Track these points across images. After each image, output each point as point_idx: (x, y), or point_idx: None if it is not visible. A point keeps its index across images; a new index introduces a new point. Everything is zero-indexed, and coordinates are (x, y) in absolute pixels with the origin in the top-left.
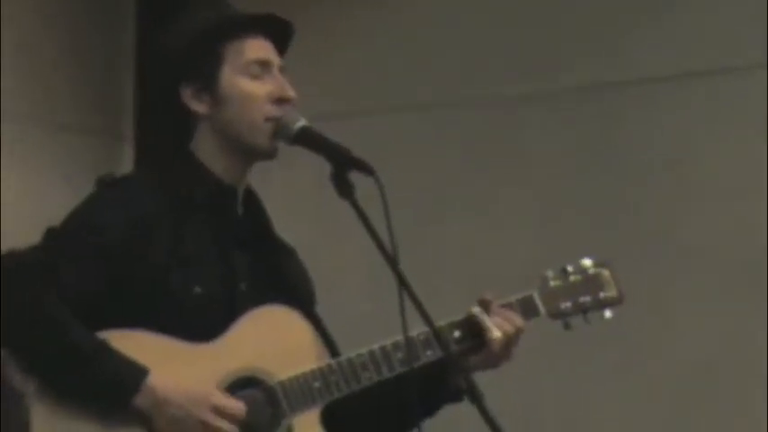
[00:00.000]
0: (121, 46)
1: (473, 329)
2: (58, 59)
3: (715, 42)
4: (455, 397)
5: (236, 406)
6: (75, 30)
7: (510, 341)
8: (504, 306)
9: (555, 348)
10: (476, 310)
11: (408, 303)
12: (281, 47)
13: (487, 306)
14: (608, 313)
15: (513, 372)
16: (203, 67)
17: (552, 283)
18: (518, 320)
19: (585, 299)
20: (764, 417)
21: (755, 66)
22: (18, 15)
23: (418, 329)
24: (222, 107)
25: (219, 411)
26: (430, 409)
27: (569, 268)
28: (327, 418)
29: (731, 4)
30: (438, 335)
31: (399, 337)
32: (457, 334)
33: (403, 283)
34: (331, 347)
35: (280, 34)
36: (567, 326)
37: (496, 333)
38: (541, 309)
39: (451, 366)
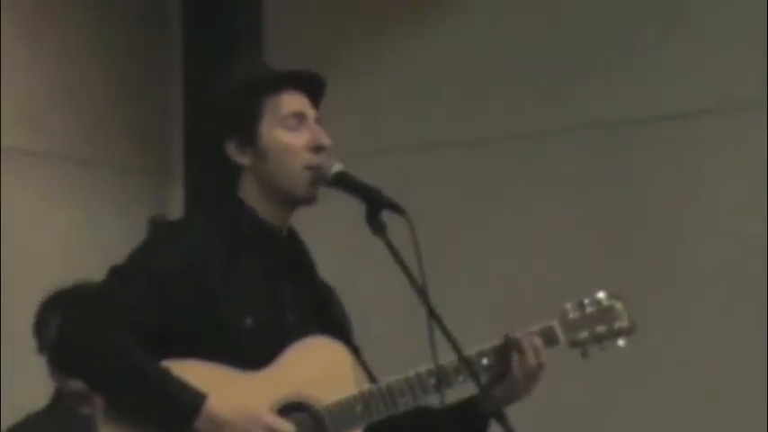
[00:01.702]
0: (171, 94)
1: (500, 359)
2: (114, 106)
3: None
4: (481, 427)
5: (287, 426)
6: (128, 78)
7: (533, 372)
8: (532, 335)
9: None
10: (505, 339)
11: (438, 332)
12: (316, 99)
13: (516, 342)
14: (621, 342)
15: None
16: (244, 122)
17: (571, 315)
18: (543, 355)
19: (601, 329)
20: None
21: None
22: (78, 63)
23: (449, 357)
24: (264, 159)
25: (270, 427)
26: None
27: (586, 301)
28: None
29: (731, 41)
30: (466, 362)
31: (431, 365)
32: (485, 361)
33: (432, 314)
34: (369, 375)
35: (313, 87)
36: (584, 354)
37: (531, 361)
38: (562, 338)
39: (480, 391)
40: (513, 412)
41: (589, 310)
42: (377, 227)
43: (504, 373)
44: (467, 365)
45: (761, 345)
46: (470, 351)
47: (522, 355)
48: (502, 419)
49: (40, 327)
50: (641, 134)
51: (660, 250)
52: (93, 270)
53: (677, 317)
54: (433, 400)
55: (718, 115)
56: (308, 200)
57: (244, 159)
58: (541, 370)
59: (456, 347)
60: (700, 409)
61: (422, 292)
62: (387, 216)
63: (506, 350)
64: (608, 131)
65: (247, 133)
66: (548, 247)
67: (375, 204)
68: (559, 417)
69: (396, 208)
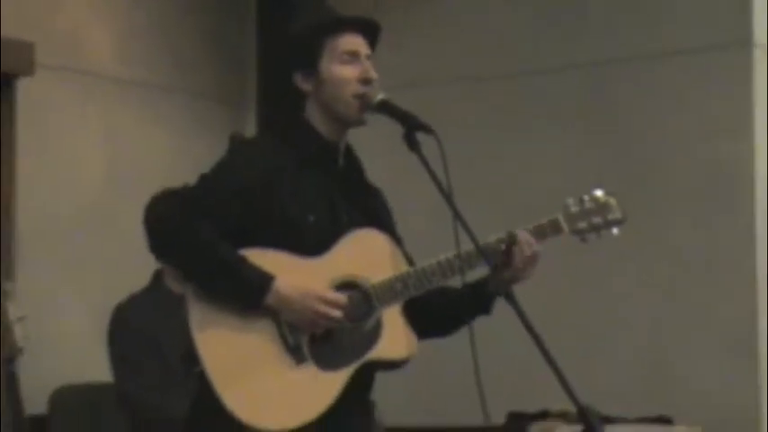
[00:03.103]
0: (245, 31)
1: (504, 249)
2: (199, 43)
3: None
4: (488, 306)
5: (340, 297)
6: (210, 18)
7: (528, 260)
8: (536, 227)
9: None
10: (507, 235)
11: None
12: (371, 40)
13: (514, 237)
14: (615, 230)
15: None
16: (309, 56)
17: (572, 209)
18: (535, 247)
19: (598, 220)
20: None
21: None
22: (171, 6)
23: (469, 247)
24: (323, 87)
25: (326, 301)
26: (473, 313)
27: (585, 197)
28: (406, 310)
29: None
30: (481, 249)
31: (455, 252)
32: (497, 248)
33: (456, 213)
34: (408, 260)
35: (368, 30)
36: (583, 240)
37: (526, 251)
38: (565, 228)
39: (490, 272)
40: (524, 293)
41: (588, 204)
42: (412, 144)
43: (508, 260)
44: (481, 252)
45: (727, 239)
46: (484, 242)
47: (518, 247)
48: (509, 297)
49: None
50: (629, 71)
51: (644, 164)
52: (185, 179)
53: (659, 216)
54: (454, 282)
55: (702, 53)
56: (357, 122)
57: (307, 87)
58: (535, 259)
59: (473, 238)
60: (681, 289)
61: (448, 197)
62: (420, 136)
63: (508, 243)
64: (600, 69)
65: (311, 66)
66: (549, 165)
67: (411, 126)
68: (562, 297)
69: (427, 129)
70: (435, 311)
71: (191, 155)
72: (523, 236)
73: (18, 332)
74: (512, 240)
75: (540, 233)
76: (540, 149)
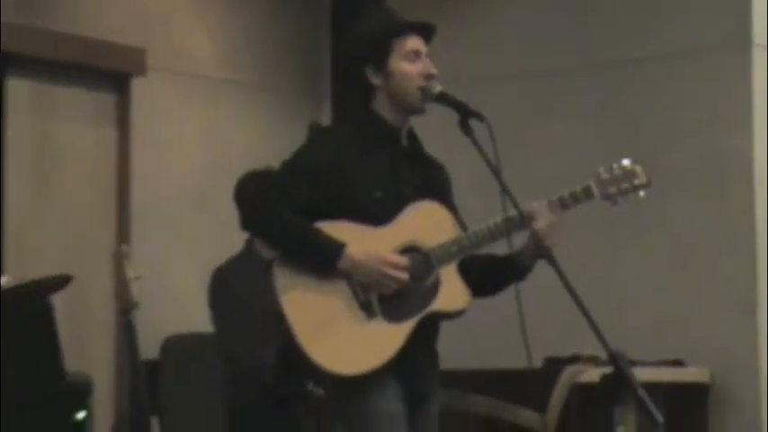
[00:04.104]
0: (320, 36)
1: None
2: (281, 45)
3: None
4: (526, 271)
5: (401, 259)
6: (289, 24)
7: (549, 229)
8: (570, 194)
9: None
10: (518, 215)
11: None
12: (428, 39)
13: (533, 211)
14: (642, 193)
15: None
16: (379, 55)
17: (603, 176)
18: (552, 217)
19: (626, 185)
20: None
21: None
22: (258, 15)
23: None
24: (390, 81)
25: (391, 263)
26: (510, 280)
27: (614, 165)
28: (461, 269)
29: None
30: (523, 214)
31: (502, 217)
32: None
33: (503, 187)
34: (462, 226)
35: (427, 32)
36: (614, 203)
37: (542, 222)
38: (596, 193)
39: (530, 237)
40: (562, 258)
41: (616, 172)
42: (466, 129)
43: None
44: (523, 217)
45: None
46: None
47: (534, 221)
48: (551, 259)
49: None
50: (642, 70)
51: (654, 152)
52: (270, 163)
53: (669, 197)
54: (499, 247)
55: (707, 53)
56: (419, 110)
57: (377, 81)
58: (554, 228)
59: (517, 207)
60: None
61: (497, 172)
62: (473, 123)
63: (522, 221)
64: (615, 68)
65: (380, 62)
66: (575, 149)
67: (464, 114)
68: (594, 263)
69: (479, 116)
70: (482, 279)
71: (275, 142)
72: (537, 210)
73: (134, 289)
74: (523, 216)
75: (567, 202)
76: (566, 137)
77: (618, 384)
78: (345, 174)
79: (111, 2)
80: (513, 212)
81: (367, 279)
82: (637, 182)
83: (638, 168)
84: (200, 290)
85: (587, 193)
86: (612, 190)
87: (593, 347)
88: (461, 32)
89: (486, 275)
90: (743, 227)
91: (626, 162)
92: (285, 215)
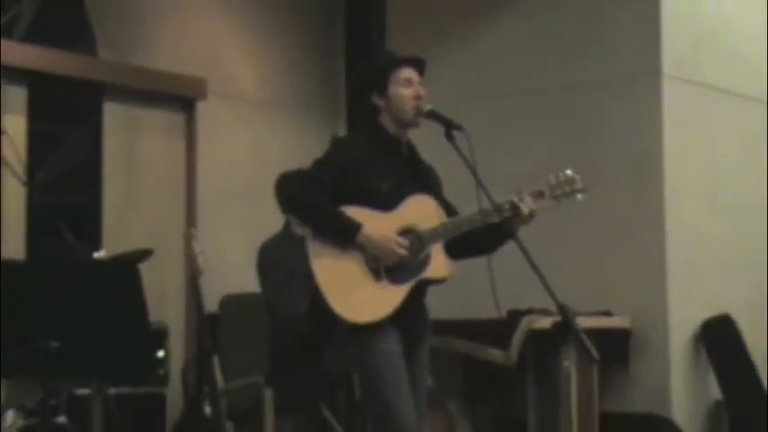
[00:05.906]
0: (336, 66)
1: (513, 206)
2: (304, 72)
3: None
4: (503, 240)
5: (403, 240)
6: (310, 54)
7: (529, 216)
8: (531, 194)
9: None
10: (515, 197)
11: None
12: (420, 70)
13: (521, 195)
14: (579, 196)
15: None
16: (381, 83)
17: (552, 181)
18: (534, 206)
19: (568, 188)
20: None
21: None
22: (285, 45)
23: (487, 204)
24: (390, 102)
25: (395, 242)
26: (495, 245)
27: (560, 174)
28: (446, 247)
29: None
30: (497, 207)
31: (478, 208)
32: (507, 207)
33: (479, 183)
34: (452, 213)
35: (418, 65)
36: (559, 202)
37: (525, 209)
38: (547, 194)
39: (504, 221)
40: (525, 234)
41: (561, 178)
42: (450, 138)
43: (516, 212)
44: (495, 209)
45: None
46: (496, 203)
47: (523, 204)
48: (515, 236)
49: (277, 189)
50: (588, 92)
51: (591, 158)
52: (299, 166)
53: (601, 191)
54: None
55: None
56: (414, 124)
57: (380, 103)
58: (533, 213)
59: (490, 199)
60: (615, 233)
61: (474, 172)
62: (456, 133)
63: (516, 203)
64: (568, 92)
65: (382, 89)
66: (534, 157)
67: (449, 126)
68: (547, 238)
69: (460, 128)
70: (470, 243)
71: (302, 150)
72: (526, 198)
73: (200, 260)
74: (520, 200)
75: (535, 197)
76: (528, 145)
77: (564, 329)
78: (359, 171)
79: (180, 41)
80: (486, 204)
81: (377, 252)
82: (576, 186)
83: (577, 176)
84: (250, 260)
85: (540, 193)
86: (558, 192)
87: (544, 301)
88: (448, 61)
89: (474, 242)
90: (655, 211)
91: (569, 172)
92: (316, 200)
